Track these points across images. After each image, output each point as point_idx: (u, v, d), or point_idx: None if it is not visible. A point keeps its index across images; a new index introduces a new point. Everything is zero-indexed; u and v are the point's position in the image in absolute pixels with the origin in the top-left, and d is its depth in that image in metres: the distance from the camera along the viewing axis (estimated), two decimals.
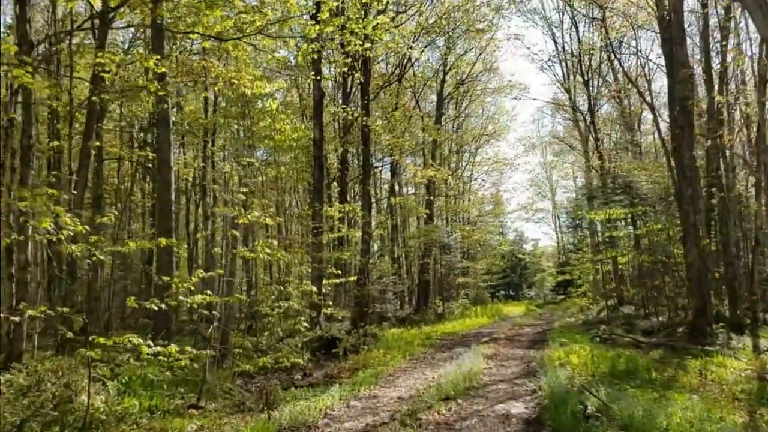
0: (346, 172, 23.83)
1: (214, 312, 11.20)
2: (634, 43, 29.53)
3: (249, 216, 9.78)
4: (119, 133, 24.21)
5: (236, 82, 13.39)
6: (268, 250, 10.21)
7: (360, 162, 29.97)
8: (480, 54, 34.48)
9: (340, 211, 19.37)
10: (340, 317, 19.95)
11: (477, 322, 26.38)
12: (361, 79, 19.67)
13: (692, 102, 16.50)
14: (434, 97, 36.22)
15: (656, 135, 21.75)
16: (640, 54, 23.03)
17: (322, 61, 18.55)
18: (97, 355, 6.57)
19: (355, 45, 12.79)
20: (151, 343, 6.54)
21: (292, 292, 13.55)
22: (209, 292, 8.85)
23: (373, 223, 24.83)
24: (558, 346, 15.76)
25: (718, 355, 12.83)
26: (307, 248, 19.83)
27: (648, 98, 22.68)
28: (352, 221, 25.50)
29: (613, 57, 32.75)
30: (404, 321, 27.94)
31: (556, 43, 34.34)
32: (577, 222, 47.69)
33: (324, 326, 18.50)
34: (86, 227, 6.49)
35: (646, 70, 25.42)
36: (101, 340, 6.35)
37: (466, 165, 43.68)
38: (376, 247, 34.42)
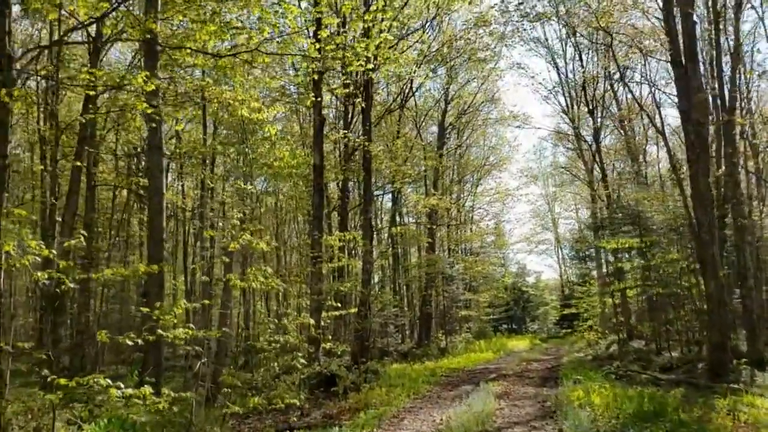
0: (347, 200, 23.10)
1: (204, 347, 10.36)
2: (640, 69, 28.71)
3: (240, 240, 8.98)
4: (114, 160, 23.57)
5: (232, 102, 12.71)
6: (261, 279, 9.38)
7: (360, 191, 29.30)
8: (482, 84, 34.08)
9: (340, 240, 18.57)
10: (339, 352, 18.99)
11: (482, 358, 25.38)
12: (363, 105, 19.07)
13: (707, 127, 15.85)
14: (435, 128, 35.71)
15: (666, 163, 21.05)
16: (648, 81, 22.43)
17: (323, 88, 17.96)
18: (57, 398, 5.72)
19: (358, 65, 12.12)
20: (122, 385, 5.67)
21: (289, 326, 12.58)
22: (191, 325, 8.00)
23: (375, 253, 24.00)
24: (572, 383, 14.84)
25: (746, 393, 11.93)
26: (306, 279, 19.01)
27: (658, 124, 21.95)
28: (353, 251, 24.69)
29: (618, 85, 32.39)
30: (406, 356, 26.96)
31: (559, 72, 33.87)
32: (583, 253, 47.01)
33: (323, 362, 17.57)
34: (53, 252, 5.70)
35: (656, 96, 24.74)
36: (62, 381, 5.51)
37: (468, 195, 43.00)
38: (376, 278, 33.54)
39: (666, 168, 35.28)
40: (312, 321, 14.59)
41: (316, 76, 13.44)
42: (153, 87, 10.65)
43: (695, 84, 15.63)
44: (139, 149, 20.70)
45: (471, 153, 42.33)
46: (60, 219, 14.75)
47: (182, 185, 26.84)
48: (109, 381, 5.60)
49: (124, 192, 23.36)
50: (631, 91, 23.64)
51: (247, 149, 18.32)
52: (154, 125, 14.10)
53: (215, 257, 15.63)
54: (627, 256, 23.88)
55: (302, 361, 13.35)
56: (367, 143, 18.63)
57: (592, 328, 34.86)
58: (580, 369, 19.05)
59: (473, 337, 37.32)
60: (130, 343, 6.40)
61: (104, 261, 19.36)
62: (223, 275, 10.00)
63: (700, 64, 17.27)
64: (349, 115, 22.60)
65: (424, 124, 35.35)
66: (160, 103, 12.04)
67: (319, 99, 16.23)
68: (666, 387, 13.45)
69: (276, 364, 18.26)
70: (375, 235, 23.17)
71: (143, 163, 20.53)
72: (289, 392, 12.51)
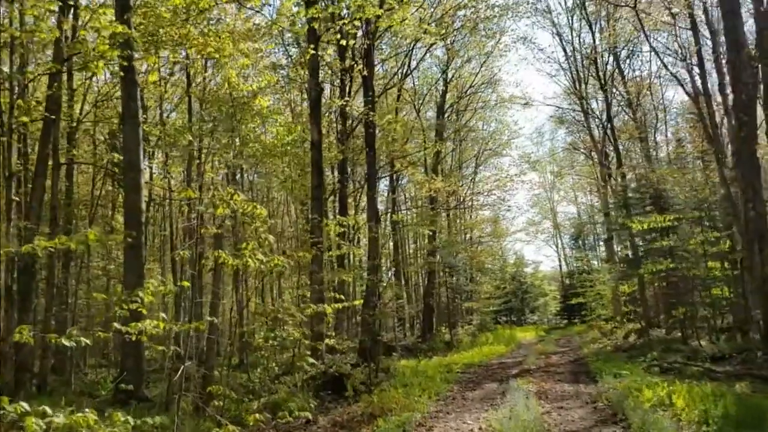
0: (346, 183, 21.16)
1: (189, 345, 8.44)
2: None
3: (232, 203, 6.99)
4: (93, 144, 21.44)
5: (219, 58, 10.74)
6: (260, 256, 7.40)
7: (359, 174, 27.32)
8: (484, 61, 32.10)
9: (341, 225, 16.65)
10: (343, 349, 17.08)
11: (494, 351, 23.53)
12: (365, 73, 17.10)
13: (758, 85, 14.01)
14: (434, 112, 33.76)
15: (708, 128, 19.08)
16: (680, 44, 20.45)
17: (320, 48, 16.03)
18: None
19: (368, 10, 10.15)
20: (60, 415, 3.70)
21: (292, 317, 10.65)
22: (163, 315, 6.03)
23: (388, 239, 22.06)
24: (612, 378, 13.02)
25: None
26: (305, 267, 17.09)
27: (698, 84, 19.95)
28: (353, 239, 22.80)
29: (626, 62, 30.64)
30: (411, 351, 25.13)
31: (565, 47, 31.94)
32: (584, 241, 45.40)
33: (328, 360, 15.65)
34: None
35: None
36: None
37: (469, 182, 41.09)
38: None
39: (675, 146, 33.63)
40: (319, 309, 12.61)
41: (316, 25, 11.47)
42: (122, 29, 8.67)
43: (742, 38, 13.82)
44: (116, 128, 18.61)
45: (471, 137, 40.43)
46: (23, 202, 12.75)
47: (168, 173, 24.74)
48: (47, 408, 3.63)
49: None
50: (659, 58, 21.55)
51: (235, 124, 16.26)
52: (130, 93, 12.25)
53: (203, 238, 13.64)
54: (647, 238, 22.04)
55: (310, 360, 11.41)
56: (371, 114, 16.67)
57: (609, 319, 33.20)
58: (609, 361, 17.26)
59: (476, 329, 35.55)
60: (67, 344, 4.47)
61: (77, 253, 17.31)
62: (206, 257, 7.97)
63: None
64: (347, 90, 20.66)
65: (422, 107, 33.38)
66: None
67: (315, 53, 14.21)
68: (725, 381, 11.62)
69: (274, 363, 16.38)
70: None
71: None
72: (294, 399, 10.57)
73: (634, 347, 21.63)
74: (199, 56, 10.91)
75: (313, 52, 13.28)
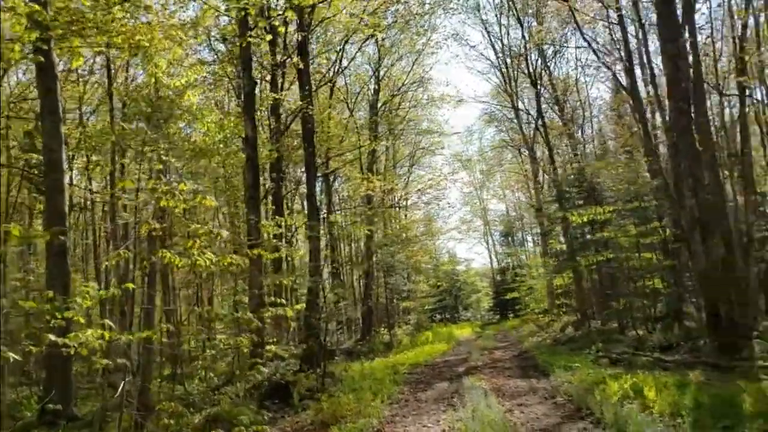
0: (281, 183, 20.41)
1: (128, 357, 7.62)
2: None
3: (176, 193, 6.23)
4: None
5: (147, 45, 9.89)
6: (210, 256, 6.63)
7: (291, 175, 26.55)
8: (416, 59, 31.87)
9: (277, 225, 15.93)
10: (285, 356, 16.35)
11: (436, 350, 23.24)
12: (300, 65, 16.42)
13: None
14: (365, 114, 33.29)
15: (637, 117, 19.34)
16: (613, 37, 20.69)
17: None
18: None
19: None
20: None
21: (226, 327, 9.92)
22: (109, 323, 5.25)
23: (323, 241, 21.38)
24: (563, 371, 12.87)
25: None
26: (242, 272, 16.27)
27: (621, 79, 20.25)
28: (291, 241, 22.05)
29: (553, 60, 31.09)
30: (351, 354, 24.58)
31: (494, 47, 32.14)
32: (543, 229, 45.95)
33: (270, 367, 14.89)
34: None
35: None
36: None
37: (404, 182, 40.86)
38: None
39: (600, 141, 34.41)
40: (278, 312, 11.85)
41: (252, 10, 10.75)
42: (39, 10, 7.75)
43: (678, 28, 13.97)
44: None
45: (404, 137, 40.25)
46: None
47: (90, 178, 23.23)
48: None
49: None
50: (592, 47, 21.72)
51: (162, 122, 15.27)
52: (49, 91, 11.19)
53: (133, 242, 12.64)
54: (585, 230, 22.28)
55: (263, 369, 10.72)
56: (309, 108, 16.00)
57: (544, 312, 33.58)
58: (555, 355, 17.21)
59: (413, 329, 35.34)
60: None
61: None
62: (147, 258, 7.11)
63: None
64: (279, 85, 19.93)
65: (356, 106, 32.85)
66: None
67: (248, 44, 13.46)
68: (677, 370, 11.63)
69: (213, 373, 15.51)
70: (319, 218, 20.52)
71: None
72: (244, 410, 9.84)
73: (573, 339, 21.79)
74: (126, 45, 9.96)
75: (250, 39, 12.52)
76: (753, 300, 16.50)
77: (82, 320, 4.78)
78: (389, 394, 12.44)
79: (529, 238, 60.52)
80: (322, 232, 16.56)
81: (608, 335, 20.18)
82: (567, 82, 35.51)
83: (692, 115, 13.58)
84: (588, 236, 20.88)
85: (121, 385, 6.28)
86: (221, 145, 16.33)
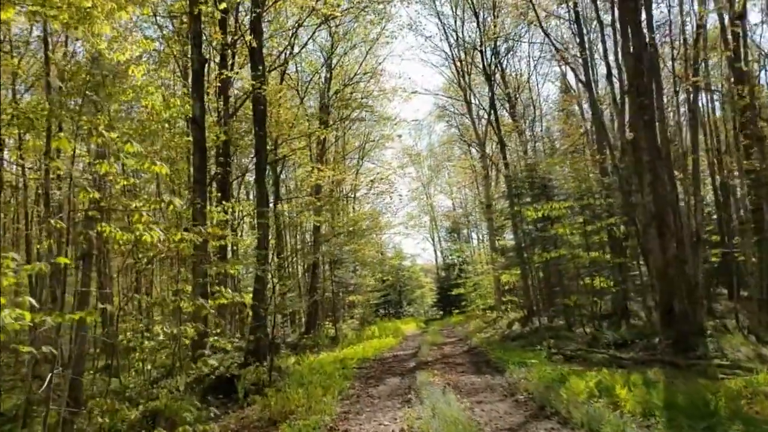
0: (229, 168, 19.54)
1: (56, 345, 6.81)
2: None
3: (120, 155, 5.48)
4: None
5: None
6: (158, 232, 5.80)
7: (238, 163, 25.63)
8: (369, 48, 31.28)
9: (224, 212, 15.17)
10: (229, 348, 15.58)
11: (383, 344, 22.78)
12: (253, 44, 15.61)
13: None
14: (316, 103, 32.51)
15: (589, 115, 19.27)
16: (573, 31, 20.57)
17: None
18: None
19: None
20: None
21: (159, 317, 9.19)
22: (31, 300, 4.48)
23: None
24: (518, 368, 12.58)
25: (738, 371, 10.15)
26: (184, 259, 15.41)
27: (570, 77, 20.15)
28: (236, 229, 21.20)
29: (506, 57, 31.02)
30: (296, 347, 23.91)
31: (449, 39, 31.85)
32: (491, 225, 46.14)
33: (213, 360, 14.11)
34: None
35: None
36: None
37: (353, 174, 40.26)
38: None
39: (549, 139, 34.63)
40: (202, 305, 11.10)
41: None
42: None
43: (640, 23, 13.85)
44: None
45: (355, 128, 39.67)
46: None
47: (21, 157, 21.78)
48: None
49: None
50: (551, 40, 21.57)
51: (104, 99, 14.27)
52: None
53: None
54: (538, 226, 22.17)
55: (210, 361, 10.02)
56: (261, 88, 15.20)
57: (490, 308, 33.58)
58: (507, 351, 16.99)
59: (359, 323, 34.89)
60: None
61: None
62: (83, 232, 6.24)
63: None
64: (229, 66, 19.08)
65: (307, 95, 32.03)
66: None
67: (198, 19, 12.65)
68: (634, 368, 11.45)
69: (151, 365, 14.62)
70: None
71: None
72: (187, 406, 9.12)
73: (521, 336, 21.68)
74: (64, 5, 9.03)
75: (201, 5, 11.71)
76: (701, 299, 16.65)
77: (2, 300, 4.05)
78: (340, 389, 11.89)
79: (475, 235, 60.78)
80: (270, 218, 15.80)
81: (557, 332, 20.14)
82: (519, 80, 35.63)
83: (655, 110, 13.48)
84: (539, 233, 20.71)
85: (48, 377, 5.53)
86: (167, 125, 15.38)
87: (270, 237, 19.16)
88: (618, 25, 16.97)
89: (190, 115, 14.86)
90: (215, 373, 12.50)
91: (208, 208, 14.86)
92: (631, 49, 13.90)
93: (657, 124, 13.35)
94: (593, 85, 20.36)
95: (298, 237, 35.82)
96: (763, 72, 21.87)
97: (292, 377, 13.29)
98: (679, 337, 12.43)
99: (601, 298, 21.03)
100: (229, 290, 14.39)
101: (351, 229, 38.50)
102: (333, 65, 30.79)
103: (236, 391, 12.04)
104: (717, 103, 25.98)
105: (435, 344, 22.08)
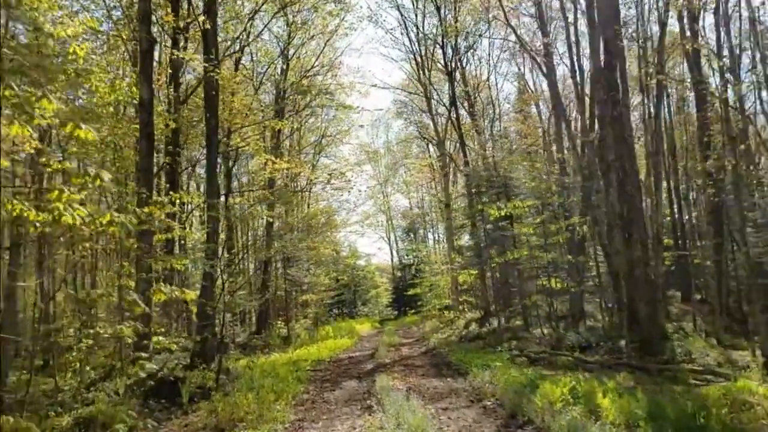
0: (178, 158, 18.53)
1: None
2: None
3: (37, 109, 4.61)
4: None
5: None
6: (83, 211, 4.88)
7: (190, 153, 24.51)
8: (328, 40, 30.43)
9: (173, 203, 14.18)
10: (174, 348, 14.61)
11: (338, 345, 22.02)
12: (207, 26, 14.68)
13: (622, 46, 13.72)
14: (271, 98, 31.50)
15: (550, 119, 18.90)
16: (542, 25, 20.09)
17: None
18: None
19: None
20: None
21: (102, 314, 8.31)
22: None
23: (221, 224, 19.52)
24: (481, 371, 11.98)
25: (710, 376, 9.78)
26: (128, 253, 14.39)
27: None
28: (186, 222, 20.15)
29: (468, 53, 30.62)
30: (246, 348, 22.98)
31: (409, 34, 31.24)
32: (449, 224, 45.83)
33: (156, 361, 13.15)
34: None
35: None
36: None
37: (311, 168, 39.32)
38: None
39: (508, 138, 34.39)
40: (141, 305, 10.18)
41: None
42: None
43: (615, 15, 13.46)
44: None
45: (311, 124, 38.78)
46: None
47: None
48: None
49: None
50: (516, 33, 21.07)
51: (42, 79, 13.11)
52: None
53: None
54: (499, 225, 21.71)
55: (148, 366, 9.12)
56: (213, 71, 14.25)
57: (445, 308, 33.10)
58: (468, 352, 16.44)
59: (312, 323, 34.01)
60: None
61: None
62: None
63: None
64: (181, 49, 18.04)
65: (261, 86, 30.97)
66: None
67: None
68: (601, 371, 11.01)
69: (89, 366, 13.56)
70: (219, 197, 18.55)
71: None
72: (118, 411, 8.23)
73: (479, 336, 21.24)
74: None
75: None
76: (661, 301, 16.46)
77: None
78: (294, 394, 11.11)
79: (431, 236, 60.46)
80: (221, 212, 14.86)
81: (515, 333, 19.77)
82: (479, 78, 35.34)
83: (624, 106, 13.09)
84: (500, 232, 20.23)
85: None
86: (111, 110, 14.32)
87: (220, 231, 18.18)
88: (585, 19, 16.66)
89: (137, 99, 13.85)
90: (158, 375, 11.56)
91: (155, 198, 13.85)
92: (602, 41, 13.53)
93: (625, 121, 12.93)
94: (556, 79, 19.97)
95: (250, 233, 34.72)
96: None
97: (242, 380, 12.41)
98: (645, 340, 12.06)
99: (558, 299, 20.70)
100: (169, 285, 13.47)
101: (308, 223, 37.68)
102: (290, 56, 29.83)
103: (180, 396, 11.12)
104: (671, 107, 26.08)
105: (392, 345, 21.45)
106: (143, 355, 10.23)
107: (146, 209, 7.20)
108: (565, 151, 19.61)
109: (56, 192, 4.67)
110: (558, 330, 18.89)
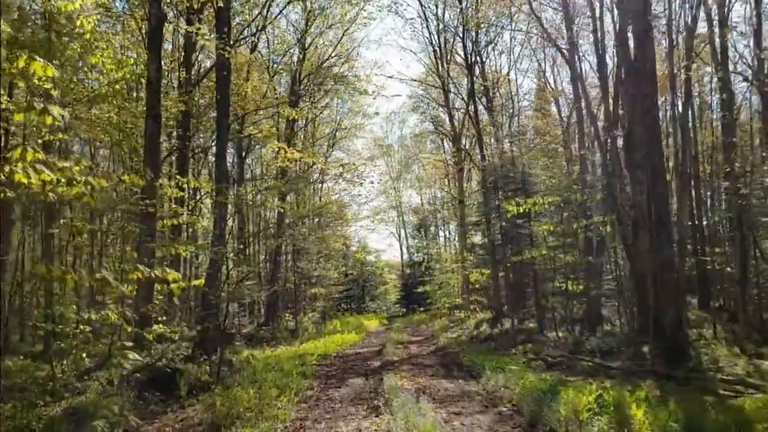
0: (188, 143, 18.02)
1: None
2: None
3: None
4: None
5: None
6: (47, 175, 4.27)
7: (199, 140, 24.01)
8: (346, 29, 29.78)
9: (180, 188, 13.66)
10: (175, 337, 14.10)
11: (345, 340, 21.48)
12: (220, 3, 14.11)
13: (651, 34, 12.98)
14: (285, 88, 30.89)
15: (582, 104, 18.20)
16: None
17: None
18: None
19: None
20: None
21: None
22: None
23: (230, 211, 19.02)
24: (494, 373, 11.35)
25: (739, 387, 9.10)
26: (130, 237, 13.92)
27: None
28: (195, 209, 19.65)
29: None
30: (253, 339, 22.50)
31: (429, 27, 30.58)
32: (462, 222, 45.38)
33: (155, 350, 12.64)
34: None
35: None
36: None
37: (324, 160, 38.75)
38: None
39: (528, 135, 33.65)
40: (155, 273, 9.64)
41: None
42: None
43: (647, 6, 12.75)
44: None
45: (326, 116, 38.20)
46: None
47: None
48: None
49: None
50: (541, 23, 20.30)
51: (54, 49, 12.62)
52: None
53: None
54: (510, 224, 21.03)
55: (130, 355, 8.60)
56: (225, 50, 13.67)
57: (455, 307, 32.45)
58: (480, 354, 15.79)
59: (320, 317, 33.47)
60: None
61: None
62: None
63: None
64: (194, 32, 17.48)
65: (277, 75, 30.43)
66: None
67: None
68: (625, 378, 10.34)
69: (86, 353, 13.07)
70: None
71: None
72: (114, 401, 7.73)
73: (491, 337, 20.62)
74: None
75: None
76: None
77: None
78: (297, 389, 10.54)
79: (441, 233, 59.79)
80: (230, 197, 14.26)
81: (529, 335, 19.11)
82: (499, 73, 34.63)
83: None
84: (518, 230, 19.56)
85: None
86: (118, 87, 13.79)
87: (229, 217, 17.62)
88: (614, 11, 16.00)
89: (145, 78, 13.33)
90: (156, 365, 11.03)
91: (161, 182, 13.31)
92: (632, 33, 12.84)
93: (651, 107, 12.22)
94: (580, 73, 19.26)
95: (261, 224, 34.23)
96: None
97: (245, 374, 11.87)
98: (670, 346, 11.36)
99: (578, 302, 20.00)
100: (146, 268, 12.89)
101: (318, 213, 37.09)
102: (306, 45, 29.24)
103: (179, 388, 10.59)
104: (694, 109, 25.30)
105: (401, 342, 20.85)
106: (126, 344, 9.66)
107: (136, 179, 6.57)
108: (587, 148, 18.83)
109: (19, 150, 4.06)
110: (573, 333, 18.26)
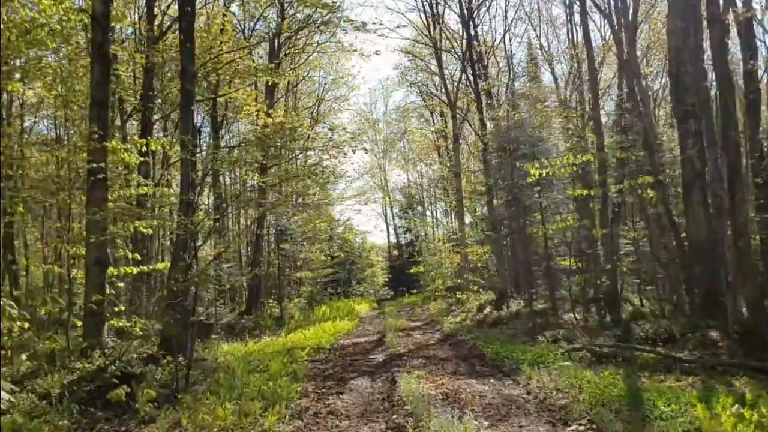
0: (151, 104, 15.46)
1: None
2: None
3: None
4: None
5: None
6: None
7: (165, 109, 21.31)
8: None
9: (139, 150, 11.14)
10: (140, 333, 11.65)
11: (338, 328, 19.12)
12: None
13: None
14: (263, 60, 28.18)
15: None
16: None
17: None
18: None
19: None
20: None
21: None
22: None
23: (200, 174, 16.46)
24: (532, 369, 9.09)
25: None
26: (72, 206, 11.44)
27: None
28: (161, 181, 17.07)
29: None
30: (233, 329, 20.18)
31: None
32: (459, 196, 43.41)
33: (110, 349, 10.21)
34: None
35: None
36: None
37: (310, 123, 36.16)
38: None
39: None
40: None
41: None
42: None
43: None
44: None
45: (307, 86, 35.64)
46: None
47: None
48: None
49: None
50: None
51: None
52: None
53: None
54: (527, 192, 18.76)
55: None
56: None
57: (450, 288, 30.23)
58: (495, 341, 13.56)
59: (306, 303, 31.12)
60: None
61: None
62: None
63: None
64: None
65: (252, 38, 27.69)
66: None
67: None
68: (707, 374, 8.10)
69: (24, 356, 10.63)
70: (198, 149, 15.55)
71: None
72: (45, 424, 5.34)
73: (500, 321, 18.50)
74: None
75: None
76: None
77: None
78: (287, 398, 8.16)
79: (430, 213, 57.75)
80: (198, 154, 11.71)
81: (544, 318, 16.98)
82: (494, 38, 32.34)
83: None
84: (532, 199, 17.27)
85: None
86: (59, 27, 11.18)
87: (199, 181, 14.98)
88: None
89: (90, 13, 10.76)
90: (106, 371, 8.60)
91: (113, 143, 10.81)
92: None
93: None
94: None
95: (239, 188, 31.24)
96: None
97: (222, 378, 9.46)
98: (750, 331, 9.17)
99: (594, 279, 17.84)
100: (138, 257, 10.59)
101: (301, 199, 34.49)
102: (285, 3, 26.48)
103: (136, 399, 8.19)
104: None
105: (401, 329, 18.55)
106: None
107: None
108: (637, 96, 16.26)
109: None
110: (592, 315, 16.24)
